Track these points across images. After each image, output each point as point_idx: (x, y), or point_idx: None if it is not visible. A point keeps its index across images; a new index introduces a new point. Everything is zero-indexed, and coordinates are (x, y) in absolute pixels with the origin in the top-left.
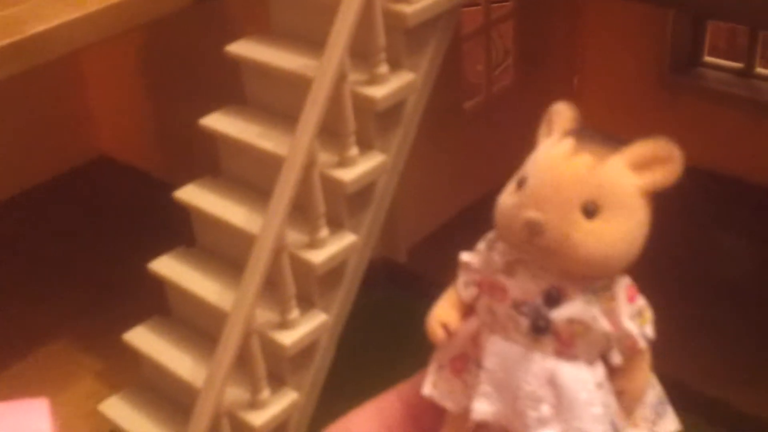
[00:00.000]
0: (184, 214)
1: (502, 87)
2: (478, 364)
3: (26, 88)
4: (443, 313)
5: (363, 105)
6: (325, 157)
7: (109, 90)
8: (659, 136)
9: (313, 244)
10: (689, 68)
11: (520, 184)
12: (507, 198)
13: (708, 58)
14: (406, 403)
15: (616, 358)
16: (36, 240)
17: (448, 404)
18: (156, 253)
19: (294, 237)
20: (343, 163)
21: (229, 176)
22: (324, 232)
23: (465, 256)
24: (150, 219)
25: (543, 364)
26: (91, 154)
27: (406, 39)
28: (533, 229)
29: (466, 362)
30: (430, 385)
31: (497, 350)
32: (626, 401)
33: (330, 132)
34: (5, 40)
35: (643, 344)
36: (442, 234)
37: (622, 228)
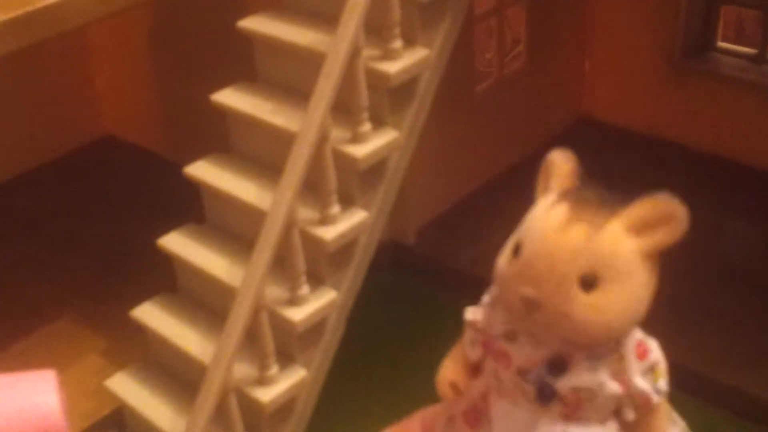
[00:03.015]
0: (192, 192)
1: (513, 70)
2: (489, 426)
3: (32, 67)
4: (451, 373)
5: (376, 80)
6: (337, 133)
7: (116, 69)
8: (661, 194)
9: (325, 220)
10: (702, 53)
11: (516, 251)
12: (504, 265)
13: (721, 44)
14: None
15: (630, 416)
16: (43, 218)
17: None
18: (162, 231)
19: (305, 213)
20: (356, 139)
21: (240, 152)
22: (335, 208)
23: (470, 314)
24: (156, 198)
25: (551, 428)
26: (97, 133)
27: (420, 14)
28: (529, 307)
29: (479, 416)
30: None
31: (505, 415)
32: None
33: (343, 108)
34: (15, 11)
35: (656, 399)
36: (450, 217)
37: (624, 296)
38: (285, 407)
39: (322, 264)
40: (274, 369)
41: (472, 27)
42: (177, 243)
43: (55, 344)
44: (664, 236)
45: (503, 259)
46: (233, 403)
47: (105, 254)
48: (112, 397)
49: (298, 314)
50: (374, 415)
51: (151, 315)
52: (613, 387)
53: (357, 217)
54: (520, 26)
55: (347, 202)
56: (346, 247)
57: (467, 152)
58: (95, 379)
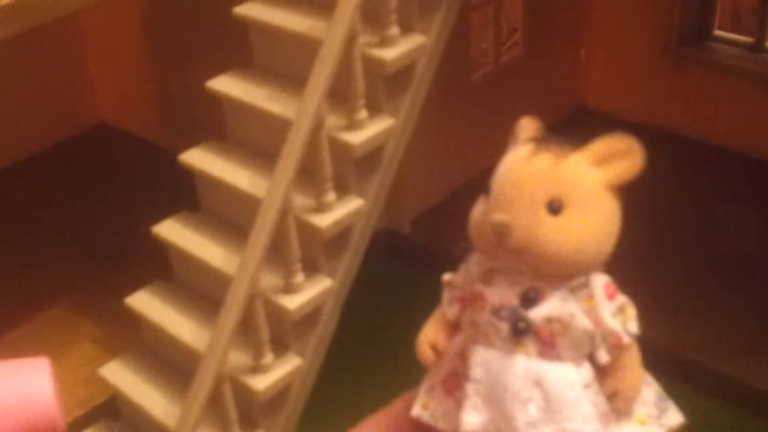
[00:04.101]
0: (187, 180)
1: (509, 58)
2: (466, 379)
3: (27, 56)
4: (431, 335)
5: (373, 67)
6: (333, 120)
7: (110, 57)
8: (618, 132)
9: (320, 207)
10: (698, 42)
11: (487, 192)
12: (477, 210)
13: (718, 32)
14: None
15: (603, 357)
16: (37, 206)
17: (441, 425)
18: (157, 219)
19: (300, 201)
20: (352, 126)
21: (235, 140)
22: (331, 195)
23: (447, 276)
24: (151, 186)
25: (527, 365)
26: (92, 121)
27: (417, 1)
28: (500, 231)
29: (457, 380)
30: (420, 406)
31: (481, 359)
32: (620, 403)
33: (339, 95)
34: None
35: (627, 340)
36: (446, 206)
37: (590, 222)
38: (279, 395)
39: (318, 252)
40: (268, 357)
41: (468, 15)
42: (172, 231)
43: (50, 332)
44: (623, 169)
45: (476, 207)
46: (227, 391)
47: (99, 242)
48: (106, 385)
49: (293, 302)
50: (369, 402)
51: (146, 303)
52: (585, 321)
53: (352, 204)
54: (516, 15)
55: (343, 189)
56: (342, 234)
57: (463, 142)
58: (89, 368)
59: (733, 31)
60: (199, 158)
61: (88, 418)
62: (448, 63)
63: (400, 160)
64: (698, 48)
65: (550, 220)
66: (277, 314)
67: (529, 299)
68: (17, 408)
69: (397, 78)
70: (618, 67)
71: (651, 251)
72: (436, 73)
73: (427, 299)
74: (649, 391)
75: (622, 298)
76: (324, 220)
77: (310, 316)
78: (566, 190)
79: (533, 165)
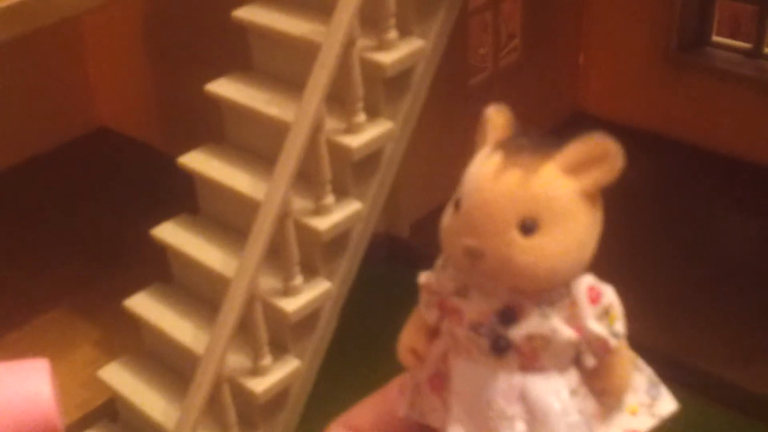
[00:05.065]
0: (186, 183)
1: (508, 63)
2: (450, 386)
3: (27, 59)
4: (411, 339)
5: (371, 71)
6: (332, 124)
7: (110, 61)
8: (594, 133)
9: (319, 210)
10: (696, 47)
11: (457, 206)
12: (447, 221)
13: (716, 38)
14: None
15: (590, 362)
16: (37, 210)
17: (431, 422)
18: (155, 223)
19: (299, 204)
20: (351, 129)
21: (234, 143)
22: (330, 199)
23: (423, 277)
24: (150, 189)
25: (510, 380)
26: (92, 124)
27: (415, 5)
28: (472, 256)
29: (442, 380)
30: (406, 405)
31: (463, 372)
32: (609, 399)
33: (337, 99)
34: (7, 1)
35: (614, 343)
36: (444, 210)
37: (567, 238)
38: (278, 397)
39: (316, 254)
40: (267, 359)
41: (467, 20)
42: (171, 233)
43: (49, 334)
44: (600, 174)
45: (445, 217)
46: (226, 393)
47: (99, 245)
48: (105, 387)
49: (291, 305)
50: None
51: (145, 305)
52: (568, 332)
53: (351, 207)
54: (515, 21)
55: (341, 192)
56: (340, 237)
57: (462, 146)
58: (89, 370)
59: (732, 37)
60: (198, 161)
61: (87, 420)
62: (447, 68)
63: (399, 163)
64: (697, 54)
65: (523, 242)
66: (276, 317)
67: (508, 317)
68: (16, 409)
69: (396, 82)
70: (616, 72)
71: (649, 256)
72: (435, 78)
73: None
74: (640, 378)
75: (606, 299)
76: (323, 223)
77: (309, 318)
78: (539, 207)
79: (502, 183)
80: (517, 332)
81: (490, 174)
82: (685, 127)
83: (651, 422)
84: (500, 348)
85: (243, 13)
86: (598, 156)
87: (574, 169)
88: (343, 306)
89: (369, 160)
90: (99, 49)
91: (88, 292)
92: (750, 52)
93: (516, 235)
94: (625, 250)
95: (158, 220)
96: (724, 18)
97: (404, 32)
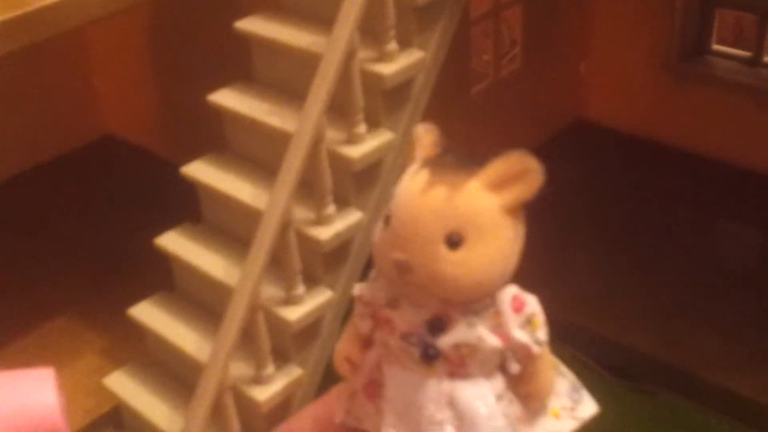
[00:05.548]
0: (189, 192)
1: (509, 72)
2: (383, 396)
3: (32, 68)
4: (346, 348)
5: (372, 82)
6: (333, 135)
7: (114, 70)
8: (515, 150)
9: (320, 220)
10: (697, 56)
11: (387, 221)
12: (377, 236)
13: (716, 47)
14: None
15: (514, 368)
16: (41, 218)
17: (367, 427)
18: (160, 231)
19: (301, 214)
20: (351, 140)
21: (237, 153)
22: (331, 209)
23: (356, 289)
24: (154, 197)
25: (440, 387)
26: (96, 133)
27: (415, 17)
28: (401, 269)
29: (377, 387)
30: (342, 412)
31: (395, 380)
32: (533, 403)
33: (338, 110)
34: (13, 12)
35: (536, 350)
36: None
37: (490, 251)
38: (281, 406)
39: (318, 264)
40: (270, 368)
41: (468, 29)
42: (174, 242)
43: (54, 343)
44: (521, 191)
45: (376, 231)
46: (229, 401)
47: (103, 253)
48: (110, 395)
49: (293, 314)
50: None
51: (149, 314)
52: (493, 341)
53: (352, 217)
54: (516, 29)
55: (342, 202)
56: (342, 247)
57: (464, 153)
58: (93, 378)
59: (735, 43)
60: (200, 171)
61: (93, 428)
62: (448, 76)
63: (400, 172)
64: (697, 62)
65: (449, 255)
66: (278, 325)
67: (436, 327)
68: (23, 418)
69: (396, 93)
70: (617, 80)
71: (650, 264)
72: (437, 86)
73: None
74: (563, 383)
75: (530, 308)
76: (324, 233)
77: (311, 327)
78: (464, 222)
79: (429, 200)
80: (446, 341)
81: (418, 190)
82: (686, 135)
83: (573, 424)
84: (430, 357)
85: (245, 25)
86: (519, 173)
87: (497, 186)
88: (344, 314)
89: (370, 170)
90: (104, 59)
91: (93, 300)
92: (750, 60)
93: (442, 249)
94: (626, 258)
95: (162, 228)
96: (725, 26)
97: (404, 43)
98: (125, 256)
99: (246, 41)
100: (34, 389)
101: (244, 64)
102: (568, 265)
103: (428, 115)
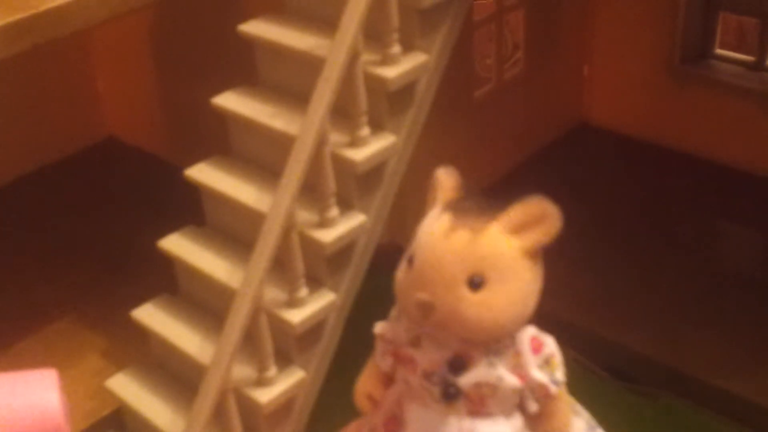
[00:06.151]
0: (192, 195)
1: (512, 75)
2: (405, 430)
3: (35, 70)
4: (367, 385)
5: (375, 85)
6: (336, 137)
7: (118, 72)
8: (534, 196)
9: (323, 223)
10: (700, 59)
11: (410, 262)
12: (400, 276)
13: (719, 50)
14: None
15: (533, 407)
16: (44, 220)
17: None
18: (163, 234)
19: (304, 216)
20: (354, 143)
21: (240, 156)
22: (334, 211)
23: (378, 328)
24: (157, 200)
25: (460, 425)
26: (99, 135)
27: (419, 19)
28: (424, 309)
29: (398, 423)
30: None
31: (416, 417)
32: None
33: (341, 112)
34: (18, 15)
35: (554, 390)
36: None
37: (511, 293)
38: (283, 408)
39: (321, 266)
40: (272, 370)
41: (471, 33)
42: (177, 245)
43: (56, 344)
44: (540, 235)
45: (399, 272)
46: (232, 403)
47: (106, 255)
48: (111, 397)
49: (296, 316)
50: None
51: (152, 316)
52: (512, 380)
53: (355, 220)
54: (519, 33)
55: (346, 205)
56: (345, 249)
57: (466, 157)
58: (95, 380)
59: (738, 47)
60: (204, 174)
61: (94, 430)
62: (451, 80)
63: (402, 175)
64: (700, 66)
65: (471, 296)
66: (281, 328)
67: (457, 366)
68: (25, 418)
69: (399, 96)
70: (620, 84)
71: (652, 267)
72: (440, 89)
73: None
74: (579, 422)
75: (548, 349)
76: (327, 236)
77: (314, 329)
78: (486, 264)
79: (452, 243)
80: (466, 380)
81: (441, 234)
82: (689, 138)
83: None
84: (450, 395)
85: (249, 28)
86: (538, 217)
87: (517, 230)
88: (347, 316)
89: (373, 173)
90: (108, 61)
91: (95, 301)
92: (753, 64)
93: (465, 291)
94: (628, 260)
95: (165, 231)
96: (729, 28)
97: (408, 46)
98: (128, 259)
99: (250, 44)
100: (38, 390)
101: (247, 66)
102: (570, 267)
103: (431, 119)
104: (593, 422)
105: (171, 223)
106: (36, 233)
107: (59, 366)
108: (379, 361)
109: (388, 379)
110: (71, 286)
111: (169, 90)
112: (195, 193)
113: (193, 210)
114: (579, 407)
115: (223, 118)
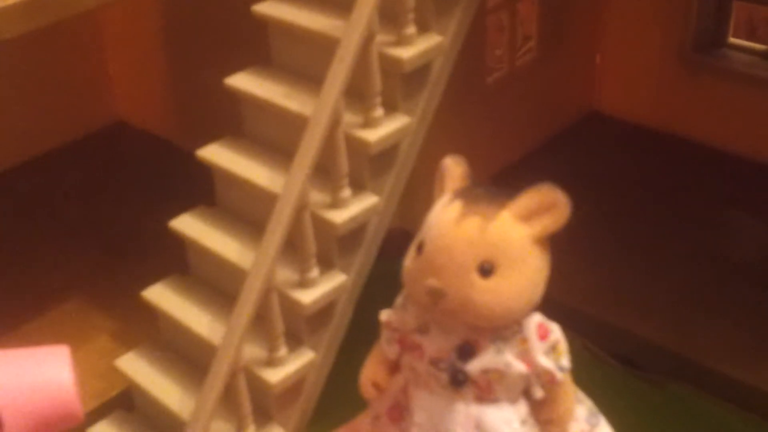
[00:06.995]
0: (202, 177)
1: (524, 62)
2: (410, 417)
3: (45, 52)
4: (372, 372)
5: (389, 66)
6: (349, 118)
7: (128, 54)
8: (544, 183)
9: (336, 204)
10: (713, 49)
11: (419, 249)
12: (409, 263)
13: (732, 39)
14: None
15: (538, 393)
16: (55, 202)
17: None
18: (172, 216)
19: (316, 197)
20: (368, 123)
21: (253, 136)
22: (346, 192)
23: (384, 315)
24: (167, 182)
25: (467, 411)
26: (110, 118)
27: (434, 1)
28: (434, 296)
29: (401, 411)
30: None
31: (423, 404)
32: (554, 428)
33: (355, 93)
34: None
35: (560, 376)
36: None
37: (521, 280)
38: (293, 388)
39: (333, 247)
40: (282, 350)
41: (484, 18)
42: (188, 225)
43: (66, 325)
44: (549, 222)
45: (408, 260)
46: (242, 383)
47: (116, 236)
48: (121, 378)
49: (307, 296)
50: None
51: (162, 296)
52: (519, 367)
53: (368, 201)
54: (531, 20)
55: (358, 186)
56: (356, 231)
57: (478, 143)
58: (105, 360)
59: (750, 37)
60: (216, 154)
61: (104, 409)
62: (464, 65)
63: (415, 158)
64: (713, 55)
65: (482, 283)
66: (291, 308)
67: (465, 352)
68: (39, 394)
69: (414, 77)
70: (632, 73)
71: (661, 255)
72: (453, 75)
73: None
74: (581, 408)
75: (554, 336)
76: (339, 216)
77: (324, 310)
78: (496, 251)
79: (462, 230)
80: (474, 366)
81: (452, 221)
82: (700, 127)
83: None
84: (458, 381)
85: (263, 8)
86: (548, 205)
87: (526, 217)
88: (357, 299)
89: (386, 154)
90: (118, 43)
91: (105, 282)
92: (766, 53)
93: (475, 277)
94: (637, 249)
95: (176, 212)
96: (739, 21)
97: (423, 28)
98: (139, 239)
99: (263, 24)
100: (50, 366)
101: (258, 47)
102: (579, 254)
103: (444, 102)
104: (595, 409)
105: (180, 205)
106: (47, 215)
107: (70, 346)
108: (384, 349)
109: (393, 367)
110: (81, 268)
111: (181, 72)
112: (205, 176)
113: (203, 193)
114: (581, 395)
115: (235, 101)
